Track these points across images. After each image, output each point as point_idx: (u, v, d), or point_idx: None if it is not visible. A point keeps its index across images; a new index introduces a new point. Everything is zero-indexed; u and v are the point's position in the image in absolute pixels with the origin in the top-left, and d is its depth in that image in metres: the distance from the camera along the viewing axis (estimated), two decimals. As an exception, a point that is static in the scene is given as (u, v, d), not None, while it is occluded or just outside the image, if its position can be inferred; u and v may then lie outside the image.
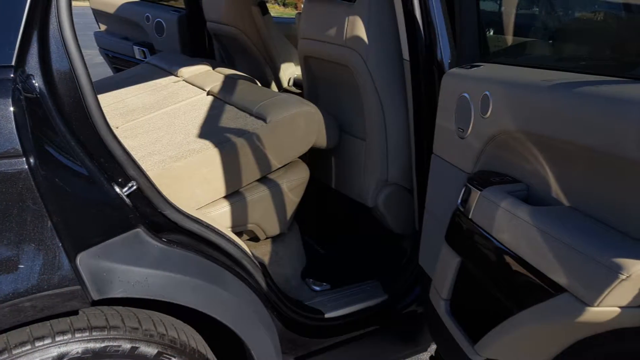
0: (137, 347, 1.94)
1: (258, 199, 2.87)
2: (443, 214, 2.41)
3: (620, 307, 1.53)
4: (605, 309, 1.54)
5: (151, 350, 1.98)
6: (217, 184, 2.70)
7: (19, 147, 1.63)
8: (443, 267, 2.35)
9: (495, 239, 1.99)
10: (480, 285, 2.14)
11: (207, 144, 2.70)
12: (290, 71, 4.69)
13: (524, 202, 1.94)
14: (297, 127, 2.98)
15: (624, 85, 1.64)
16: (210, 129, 2.90)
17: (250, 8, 4.37)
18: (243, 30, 4.38)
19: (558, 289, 1.67)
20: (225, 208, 2.75)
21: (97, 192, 1.85)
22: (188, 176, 2.61)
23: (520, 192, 2.03)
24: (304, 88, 3.68)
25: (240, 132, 2.80)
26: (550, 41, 2.78)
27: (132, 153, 1.98)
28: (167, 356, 2.02)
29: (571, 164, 1.81)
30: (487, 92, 2.15)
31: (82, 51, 1.80)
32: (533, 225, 1.78)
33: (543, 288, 1.74)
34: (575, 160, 1.79)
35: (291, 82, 4.70)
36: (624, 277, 1.45)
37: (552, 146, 1.86)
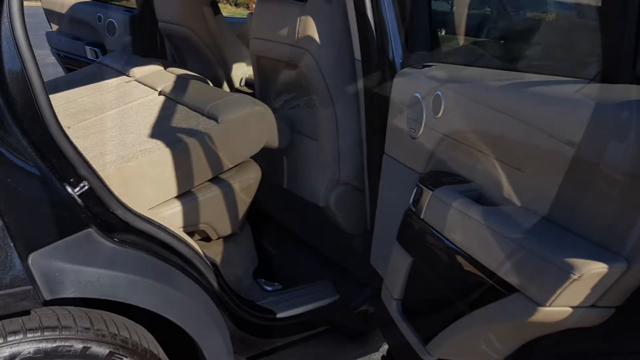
0: (88, 347, 1.93)
1: (210, 199, 2.87)
2: (395, 214, 2.42)
3: (572, 307, 1.55)
4: (557, 309, 1.56)
5: (103, 350, 1.97)
6: (169, 184, 2.69)
7: (-30, 146, 1.62)
8: (395, 267, 2.36)
9: (447, 239, 2.00)
10: (432, 286, 2.16)
11: (158, 144, 2.69)
12: (242, 71, 4.68)
13: (476, 202, 1.96)
14: (249, 127, 2.98)
15: (574, 86, 1.66)
16: (162, 129, 2.90)
17: (202, 8, 4.35)
18: (195, 31, 4.36)
19: (510, 289, 1.69)
20: (177, 208, 2.75)
21: (48, 192, 1.84)
22: (140, 176, 2.60)
23: (472, 192, 2.04)
24: (255, 88, 3.67)
25: (192, 132, 2.80)
26: (502, 41, 2.81)
27: (84, 153, 1.97)
28: (119, 356, 2.01)
29: (522, 164, 1.83)
30: (439, 92, 2.16)
31: (34, 51, 1.79)
32: (485, 226, 1.80)
33: (495, 288, 1.76)
34: (526, 160, 1.81)
35: (243, 82, 4.70)
36: (575, 277, 1.47)
37: (503, 146, 1.88)
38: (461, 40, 2.90)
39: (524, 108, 1.73)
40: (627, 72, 1.53)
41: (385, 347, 3.06)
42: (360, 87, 2.78)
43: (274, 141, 3.13)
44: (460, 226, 1.92)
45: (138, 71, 3.77)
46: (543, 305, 1.56)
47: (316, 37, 2.83)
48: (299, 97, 3.26)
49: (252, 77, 3.87)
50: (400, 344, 2.41)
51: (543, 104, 1.66)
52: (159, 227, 2.27)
